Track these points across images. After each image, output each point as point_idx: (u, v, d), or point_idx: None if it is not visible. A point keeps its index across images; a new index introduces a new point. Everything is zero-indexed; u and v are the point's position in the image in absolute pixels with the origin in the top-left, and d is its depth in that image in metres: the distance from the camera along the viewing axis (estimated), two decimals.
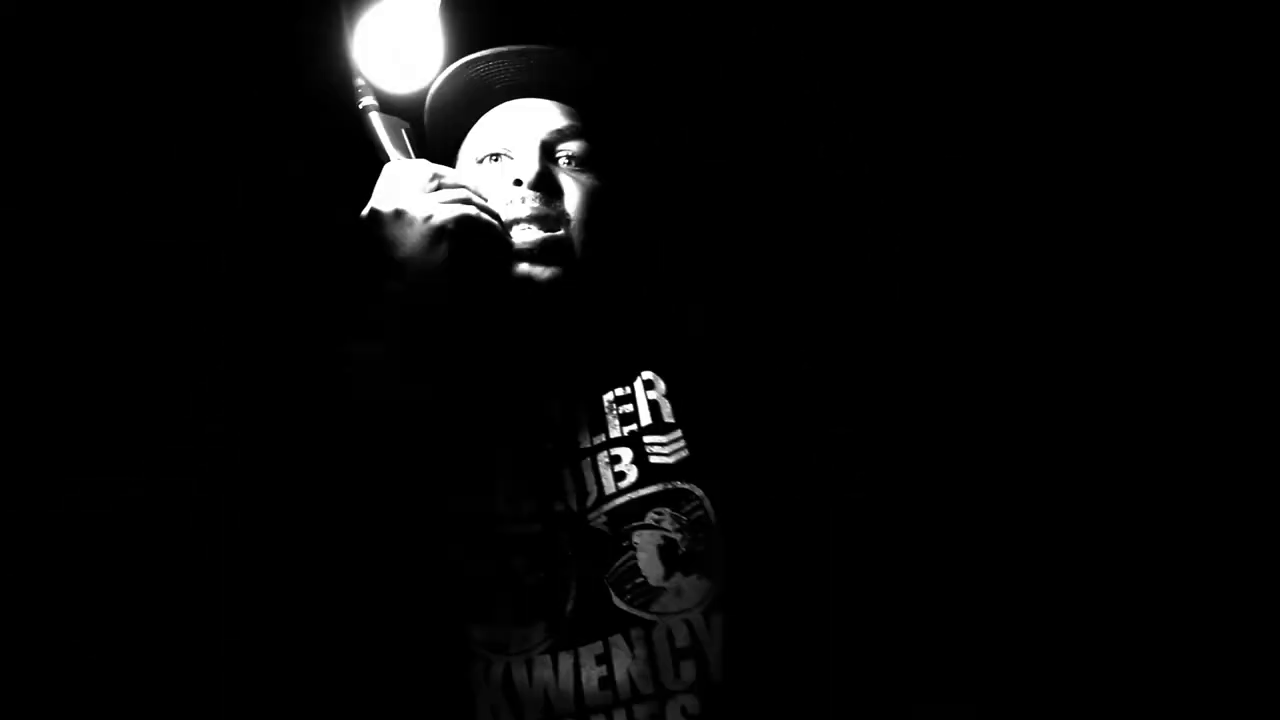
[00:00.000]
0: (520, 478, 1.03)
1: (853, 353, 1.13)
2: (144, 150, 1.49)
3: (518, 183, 1.08)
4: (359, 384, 0.94)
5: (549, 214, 1.07)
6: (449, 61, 1.16)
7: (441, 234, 0.97)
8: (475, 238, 1.00)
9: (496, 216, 1.03)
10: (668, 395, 1.06)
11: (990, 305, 1.42)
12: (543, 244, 1.05)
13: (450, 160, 1.19)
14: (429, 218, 0.97)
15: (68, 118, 1.46)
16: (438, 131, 1.19)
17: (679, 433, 1.03)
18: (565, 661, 0.94)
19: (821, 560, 1.03)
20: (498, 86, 1.16)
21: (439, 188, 1.00)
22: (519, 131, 1.12)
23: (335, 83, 1.26)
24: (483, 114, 1.16)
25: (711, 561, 0.97)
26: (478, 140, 1.15)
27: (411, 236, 0.97)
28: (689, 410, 1.05)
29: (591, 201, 1.10)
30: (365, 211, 0.99)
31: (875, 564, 1.13)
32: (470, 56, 1.16)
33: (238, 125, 1.51)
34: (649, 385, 1.08)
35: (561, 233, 1.07)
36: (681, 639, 0.94)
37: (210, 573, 1.35)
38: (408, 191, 0.99)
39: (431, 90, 1.17)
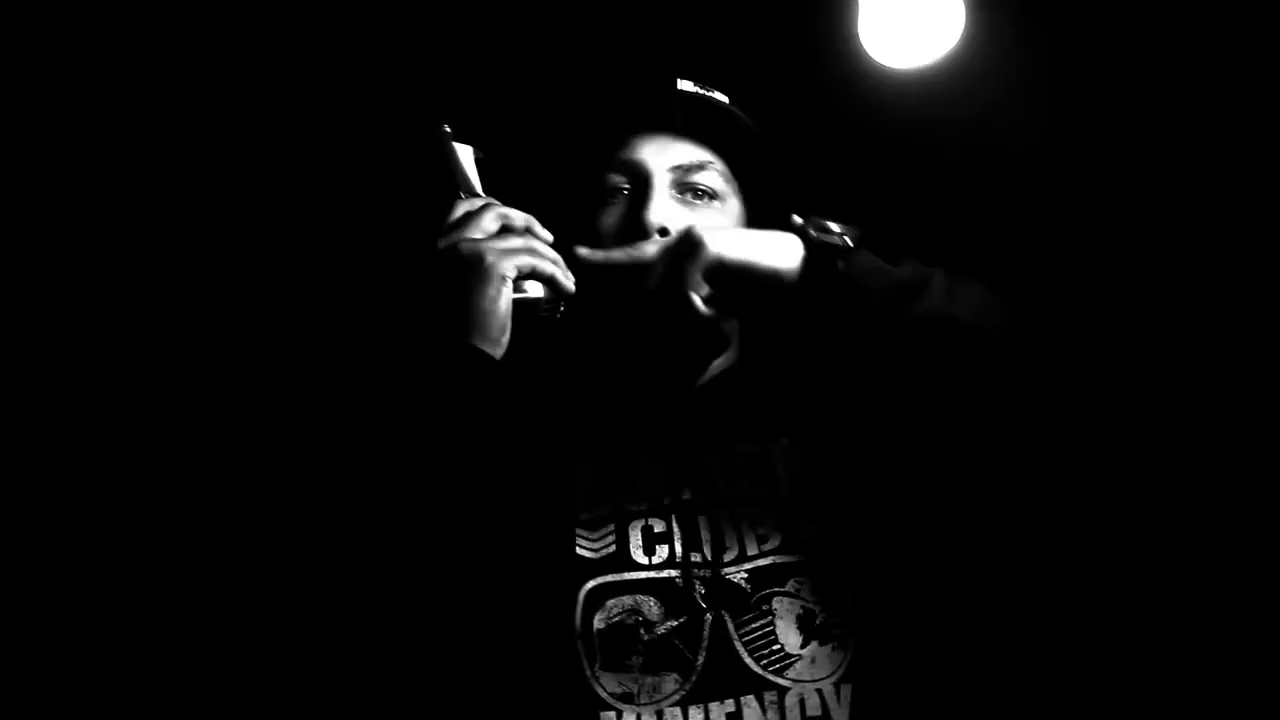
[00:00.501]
0: (654, 523, 1.01)
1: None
2: (145, 150, 1.49)
3: (642, 226, 1.05)
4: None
5: None
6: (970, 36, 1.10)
7: (497, 281, 0.93)
8: (543, 284, 0.98)
9: (560, 266, 0.99)
10: (804, 467, 1.06)
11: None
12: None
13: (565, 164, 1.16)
14: (486, 262, 0.93)
15: (66, 117, 1.46)
16: (568, 137, 1.16)
17: (813, 510, 1.03)
18: (696, 716, 0.94)
19: (951, 633, 1.05)
20: (632, 117, 1.12)
21: (504, 230, 0.97)
22: (649, 163, 1.09)
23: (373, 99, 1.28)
24: (613, 143, 1.12)
25: (845, 633, 0.99)
26: (606, 173, 1.11)
27: (468, 283, 0.93)
28: (826, 485, 1.05)
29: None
30: (424, 246, 0.96)
31: (1004, 638, 1.14)
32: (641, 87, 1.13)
33: (240, 126, 1.51)
34: (785, 453, 1.07)
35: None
36: (812, 707, 0.95)
37: (213, 576, 1.36)
38: (472, 233, 0.95)
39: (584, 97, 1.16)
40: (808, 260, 0.99)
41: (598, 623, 0.95)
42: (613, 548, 0.99)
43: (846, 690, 0.96)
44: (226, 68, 1.50)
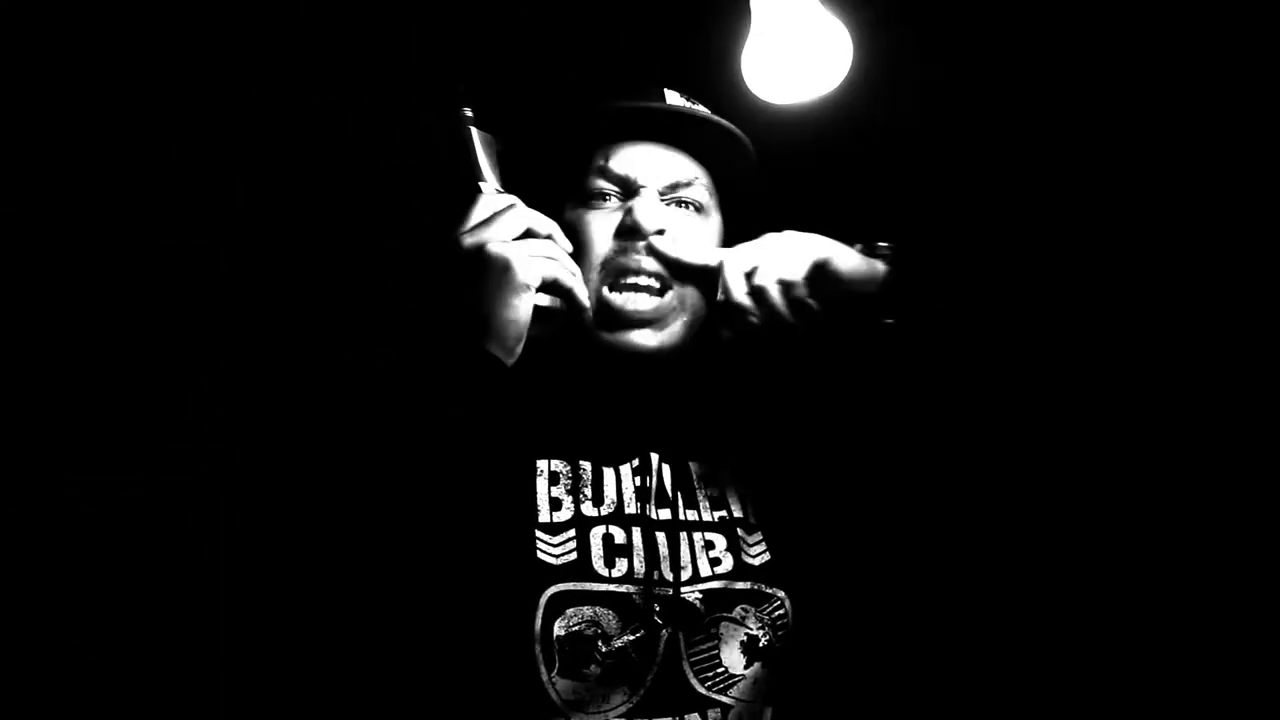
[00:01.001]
0: (615, 532, 1.02)
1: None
2: (148, 149, 1.49)
3: (635, 231, 1.06)
4: (447, 443, 0.91)
5: (659, 269, 1.05)
6: (857, 70, 1.12)
7: (521, 289, 0.93)
8: (555, 298, 0.98)
9: (579, 279, 1.00)
10: (752, 492, 1.08)
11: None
12: (652, 314, 1.05)
13: (547, 173, 1.16)
14: (512, 269, 0.93)
15: (65, 117, 1.46)
16: (550, 146, 1.16)
17: (760, 535, 1.06)
18: None
19: (873, 667, 1.10)
20: (624, 126, 1.12)
21: (528, 233, 0.96)
22: (642, 175, 1.09)
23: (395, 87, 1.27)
24: (603, 146, 1.12)
25: (782, 658, 1.02)
26: (595, 176, 1.11)
27: (490, 287, 0.93)
28: (771, 514, 1.07)
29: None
30: (447, 242, 0.96)
31: (925, 676, 1.20)
32: (634, 105, 1.12)
33: (243, 125, 1.51)
34: (736, 477, 1.09)
35: (670, 297, 1.06)
36: None
37: (214, 577, 1.36)
38: (498, 234, 0.95)
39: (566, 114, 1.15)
40: (893, 290, 1.02)
41: (558, 629, 0.96)
42: (574, 555, 0.99)
43: (768, 712, 1.01)
44: (229, 61, 1.49)
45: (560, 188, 1.13)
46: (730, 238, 1.14)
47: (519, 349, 0.94)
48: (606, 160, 1.10)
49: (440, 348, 0.94)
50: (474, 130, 1.04)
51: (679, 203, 1.10)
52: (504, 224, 0.96)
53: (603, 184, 1.10)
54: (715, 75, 1.22)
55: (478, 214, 0.97)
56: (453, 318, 0.94)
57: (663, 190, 1.09)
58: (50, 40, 1.44)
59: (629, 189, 1.09)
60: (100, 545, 1.41)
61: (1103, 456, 1.40)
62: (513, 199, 0.99)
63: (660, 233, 1.05)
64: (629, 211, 1.06)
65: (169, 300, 1.48)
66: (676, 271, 1.05)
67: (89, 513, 1.41)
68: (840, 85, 1.09)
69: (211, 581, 1.38)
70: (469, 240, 0.94)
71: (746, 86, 1.16)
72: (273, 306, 1.51)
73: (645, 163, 1.10)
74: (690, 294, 1.07)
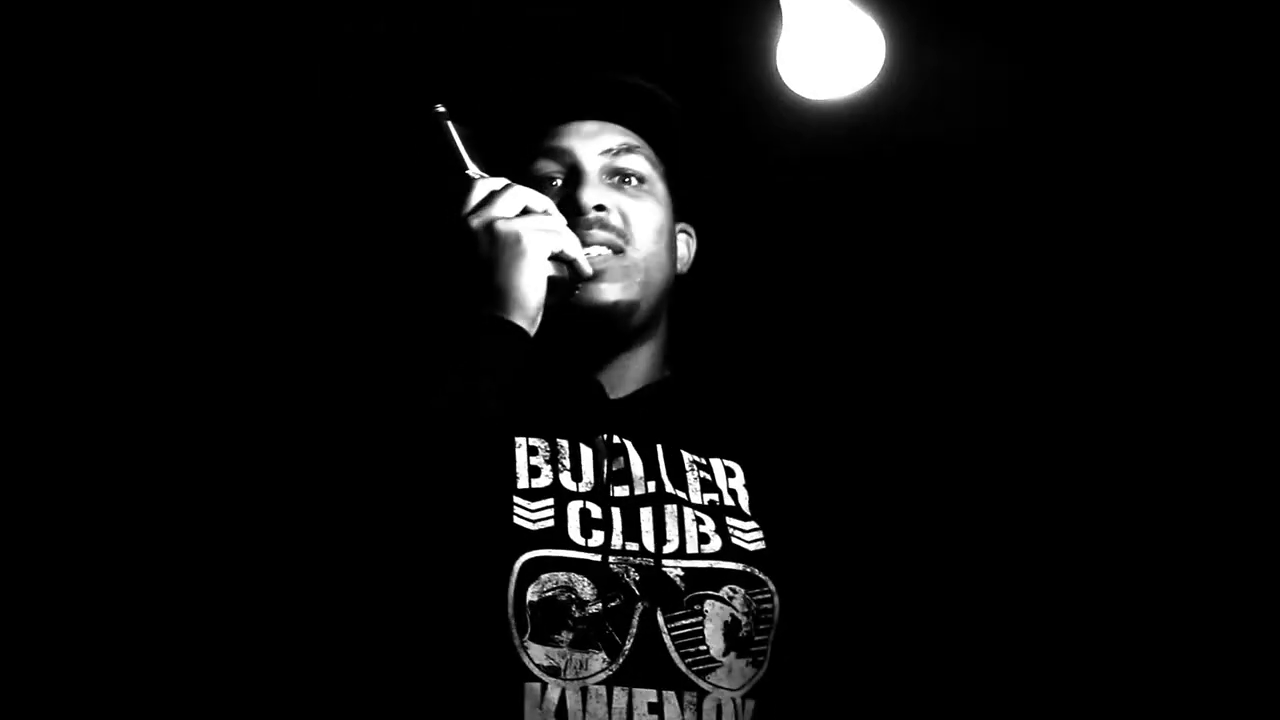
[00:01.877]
0: (592, 508, 1.02)
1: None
2: (153, 148, 1.49)
3: (578, 206, 1.08)
4: (455, 410, 0.92)
5: (610, 237, 1.08)
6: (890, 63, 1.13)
7: (537, 260, 0.97)
8: (565, 265, 1.01)
9: (580, 249, 1.03)
10: (746, 486, 1.09)
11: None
12: (608, 269, 1.06)
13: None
14: (522, 241, 0.97)
15: (84, 116, 1.46)
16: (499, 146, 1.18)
17: (755, 524, 1.05)
18: (620, 698, 0.94)
19: (866, 675, 1.08)
20: (559, 107, 1.15)
21: (526, 210, 1.00)
22: (580, 153, 1.12)
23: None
24: (543, 133, 1.15)
25: (762, 651, 1.00)
26: (538, 162, 1.14)
27: (506, 260, 0.96)
28: (767, 507, 1.07)
29: (656, 221, 1.12)
30: (454, 225, 0.99)
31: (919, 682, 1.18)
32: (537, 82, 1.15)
33: (249, 127, 1.52)
34: (729, 472, 1.09)
35: (626, 255, 1.08)
36: (727, 715, 0.96)
37: (216, 579, 1.36)
38: (503, 211, 0.99)
39: (493, 107, 1.18)
40: None
41: (530, 594, 0.95)
42: (550, 522, 0.99)
43: (750, 706, 0.98)
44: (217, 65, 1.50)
45: (515, 173, 1.15)
46: (679, 207, 1.18)
47: (539, 318, 0.97)
48: (546, 142, 1.14)
49: (464, 321, 0.96)
50: (451, 124, 1.08)
51: (621, 175, 1.13)
52: (505, 202, 1.00)
53: (546, 167, 1.13)
54: (749, 71, 1.23)
55: (477, 196, 1.01)
56: (476, 293, 0.97)
57: (603, 163, 1.13)
58: (49, 39, 1.44)
59: (570, 166, 1.13)
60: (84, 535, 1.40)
61: (1096, 450, 1.40)
62: (505, 180, 1.03)
63: (600, 208, 1.08)
64: (568, 191, 1.10)
65: (166, 294, 1.49)
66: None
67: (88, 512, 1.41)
68: (874, 83, 1.09)
69: (178, 550, 1.38)
70: (476, 220, 0.98)
71: (781, 82, 1.15)
72: (278, 299, 1.51)
73: (582, 138, 1.13)
74: (651, 261, 1.10)
